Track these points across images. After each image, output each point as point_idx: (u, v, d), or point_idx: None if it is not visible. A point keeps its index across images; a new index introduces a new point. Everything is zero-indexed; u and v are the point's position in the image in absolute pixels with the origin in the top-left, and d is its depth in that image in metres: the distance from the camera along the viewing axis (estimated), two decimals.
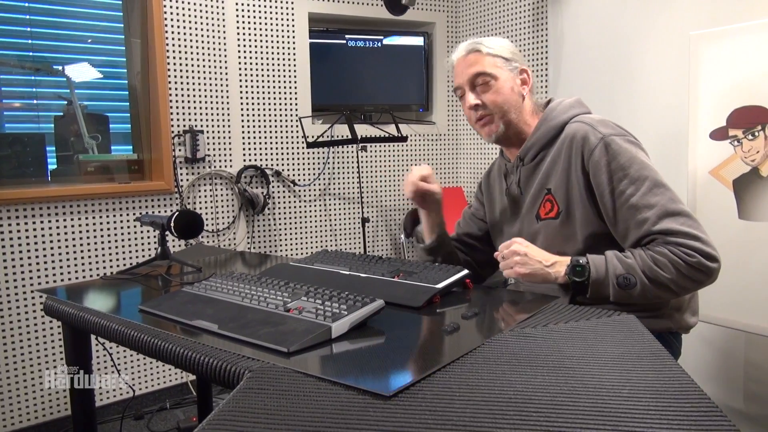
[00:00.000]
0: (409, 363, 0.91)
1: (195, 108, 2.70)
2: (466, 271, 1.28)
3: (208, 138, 2.73)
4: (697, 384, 0.78)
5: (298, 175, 3.02)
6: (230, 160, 2.81)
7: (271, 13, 2.87)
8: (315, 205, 3.08)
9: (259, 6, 2.83)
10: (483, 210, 1.61)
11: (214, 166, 2.77)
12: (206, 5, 2.69)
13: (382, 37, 3.26)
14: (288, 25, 2.92)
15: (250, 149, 2.86)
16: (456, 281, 1.25)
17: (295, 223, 3.03)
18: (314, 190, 3.08)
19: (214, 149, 2.76)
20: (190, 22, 2.66)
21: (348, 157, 3.15)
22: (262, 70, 2.86)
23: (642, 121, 2.31)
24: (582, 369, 0.84)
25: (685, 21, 2.12)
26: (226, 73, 2.77)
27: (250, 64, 2.83)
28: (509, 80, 1.37)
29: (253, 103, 2.85)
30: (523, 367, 0.85)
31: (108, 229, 2.53)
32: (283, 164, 2.96)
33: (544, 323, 1.04)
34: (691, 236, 1.17)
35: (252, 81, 2.84)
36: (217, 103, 2.75)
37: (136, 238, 2.59)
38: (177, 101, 2.65)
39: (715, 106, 1.87)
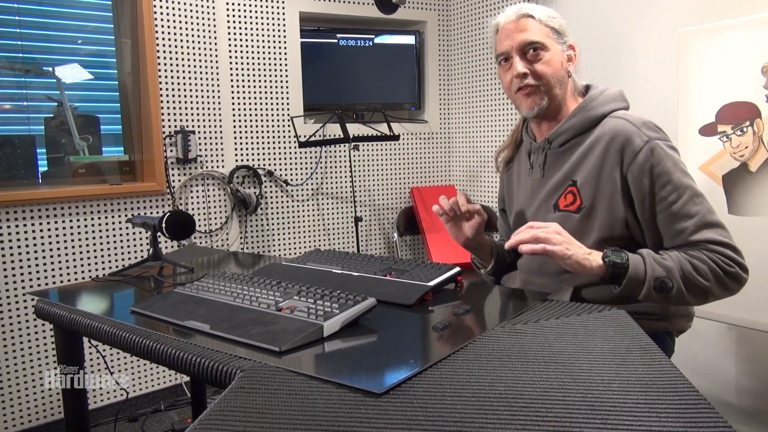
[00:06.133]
0: (400, 360, 0.91)
1: (186, 108, 2.69)
2: (457, 269, 1.28)
3: (199, 138, 2.73)
4: (686, 377, 0.78)
5: (291, 174, 3.01)
6: (222, 161, 2.80)
7: (262, 12, 2.86)
8: (308, 205, 3.08)
9: (250, 5, 2.82)
10: (505, 204, 1.59)
11: (206, 167, 2.76)
12: (197, 5, 2.68)
13: (373, 36, 3.26)
14: (279, 25, 2.91)
15: (242, 149, 2.86)
16: (448, 279, 1.26)
17: (288, 222, 3.03)
18: (307, 189, 3.07)
19: (205, 149, 2.75)
20: (180, 21, 2.65)
21: (340, 157, 3.15)
22: (254, 69, 2.86)
23: None
24: (572, 364, 0.85)
25: (673, 18, 2.13)
26: (217, 73, 2.76)
27: (241, 63, 2.82)
28: (558, 54, 1.33)
29: (244, 103, 2.85)
30: (513, 363, 0.86)
31: (99, 230, 2.52)
32: (275, 164, 2.96)
33: (535, 319, 1.05)
34: (730, 247, 1.19)
35: (243, 81, 2.83)
36: (208, 103, 2.75)
37: (127, 240, 2.59)
38: (168, 101, 2.64)
39: (704, 102, 1.88)
